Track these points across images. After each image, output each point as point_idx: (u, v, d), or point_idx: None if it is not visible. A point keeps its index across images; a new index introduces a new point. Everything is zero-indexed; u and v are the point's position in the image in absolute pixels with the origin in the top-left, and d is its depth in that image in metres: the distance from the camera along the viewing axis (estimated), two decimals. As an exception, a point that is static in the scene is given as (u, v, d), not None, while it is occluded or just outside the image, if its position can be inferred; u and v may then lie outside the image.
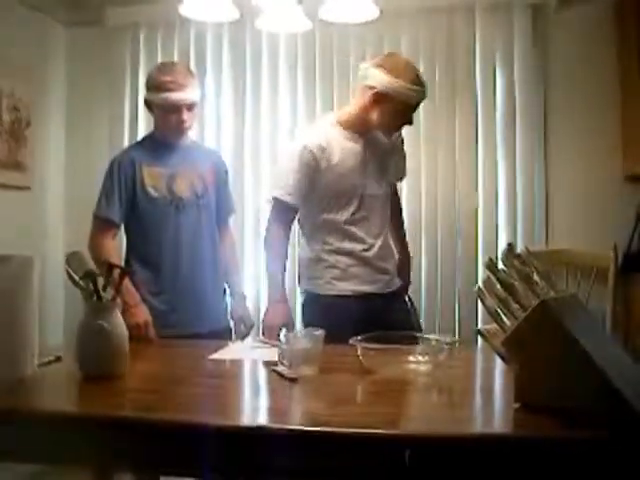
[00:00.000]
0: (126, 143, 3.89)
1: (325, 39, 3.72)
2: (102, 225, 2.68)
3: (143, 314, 2.57)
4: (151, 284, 2.70)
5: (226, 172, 3.02)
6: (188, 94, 2.66)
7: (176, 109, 2.66)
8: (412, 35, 3.69)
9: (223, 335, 2.73)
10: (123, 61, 3.96)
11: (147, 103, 2.78)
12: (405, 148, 2.89)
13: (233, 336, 2.84)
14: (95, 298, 1.78)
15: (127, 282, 2.52)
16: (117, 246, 2.78)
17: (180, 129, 2.72)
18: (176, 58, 3.88)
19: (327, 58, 3.76)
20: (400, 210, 3.05)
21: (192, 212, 2.76)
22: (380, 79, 2.54)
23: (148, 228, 2.72)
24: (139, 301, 2.60)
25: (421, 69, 3.59)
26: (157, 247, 2.72)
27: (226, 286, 2.95)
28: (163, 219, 2.71)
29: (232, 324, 2.89)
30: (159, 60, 3.88)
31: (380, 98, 2.56)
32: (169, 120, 2.69)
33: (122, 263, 2.71)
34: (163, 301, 2.70)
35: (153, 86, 2.69)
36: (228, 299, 2.95)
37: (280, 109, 3.85)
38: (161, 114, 2.71)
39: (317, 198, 2.66)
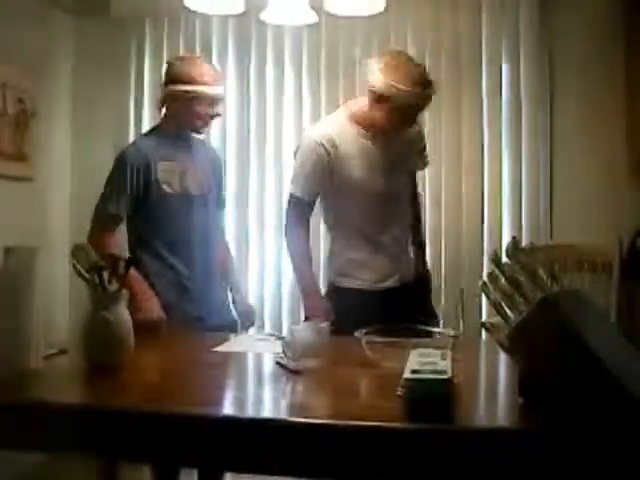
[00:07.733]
0: (131, 134, 3.90)
1: (331, 32, 3.71)
2: (108, 220, 2.64)
3: (155, 309, 2.58)
4: (161, 277, 2.68)
5: (221, 166, 3.03)
6: (222, 89, 2.72)
7: (213, 102, 2.67)
8: (418, 28, 3.68)
9: (229, 329, 2.72)
10: (128, 53, 3.96)
11: (170, 95, 2.68)
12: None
13: (239, 329, 2.84)
14: (101, 290, 1.78)
15: (135, 274, 2.51)
16: (120, 240, 2.71)
17: (209, 123, 2.75)
18: (182, 51, 3.87)
19: (332, 51, 3.76)
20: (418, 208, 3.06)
21: (200, 208, 2.74)
22: (378, 80, 2.51)
23: (160, 223, 2.68)
24: (151, 295, 2.60)
25: (427, 62, 3.63)
26: (169, 242, 2.68)
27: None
28: (175, 215, 2.68)
29: (237, 317, 2.89)
30: (165, 52, 3.89)
31: (379, 98, 2.54)
32: (199, 114, 2.66)
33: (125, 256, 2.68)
34: (174, 294, 2.69)
35: (184, 79, 2.63)
36: (229, 294, 2.94)
37: (285, 102, 3.84)
38: (190, 107, 2.65)
39: (332, 193, 2.67)
